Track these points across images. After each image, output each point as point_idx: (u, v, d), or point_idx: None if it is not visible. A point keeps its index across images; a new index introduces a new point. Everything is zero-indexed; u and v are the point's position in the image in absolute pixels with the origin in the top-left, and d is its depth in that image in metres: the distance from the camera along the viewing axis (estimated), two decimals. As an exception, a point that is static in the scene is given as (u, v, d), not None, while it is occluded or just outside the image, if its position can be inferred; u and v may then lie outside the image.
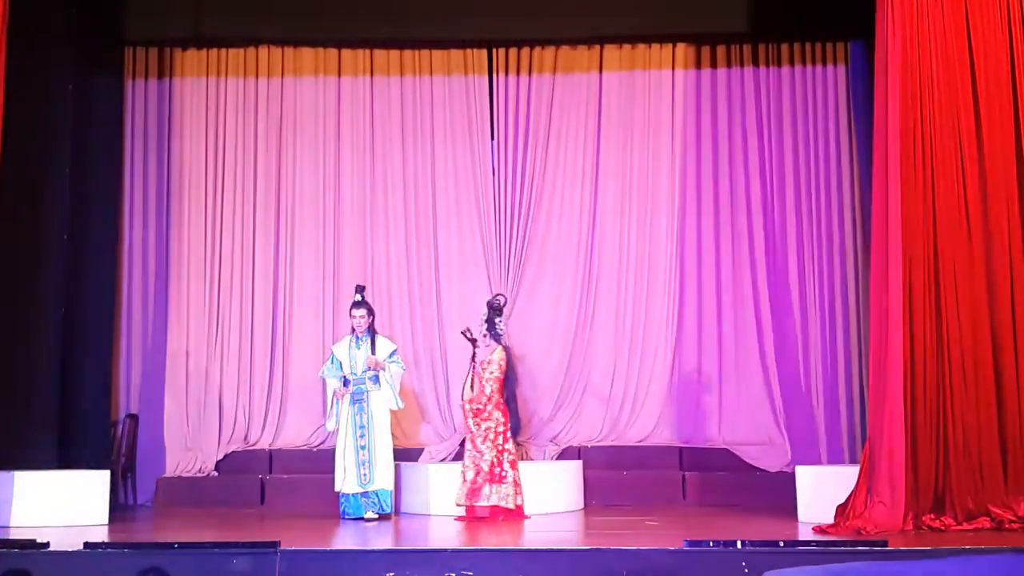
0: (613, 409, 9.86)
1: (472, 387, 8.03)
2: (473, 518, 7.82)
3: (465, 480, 7.89)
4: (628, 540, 6.39)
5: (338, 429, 8.21)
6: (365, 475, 8.06)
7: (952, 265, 6.96)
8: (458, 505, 7.91)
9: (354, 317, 8.34)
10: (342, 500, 8.12)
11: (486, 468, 7.85)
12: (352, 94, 10.30)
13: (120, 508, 8.79)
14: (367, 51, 10.28)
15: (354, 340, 8.30)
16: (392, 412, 8.29)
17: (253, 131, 10.23)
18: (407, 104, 10.26)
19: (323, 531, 7.51)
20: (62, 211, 9.05)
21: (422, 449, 9.65)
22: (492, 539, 7.02)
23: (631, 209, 10.10)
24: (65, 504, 7.77)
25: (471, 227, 10.13)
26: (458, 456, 8.77)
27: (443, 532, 7.44)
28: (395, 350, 8.34)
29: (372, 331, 8.33)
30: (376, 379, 8.21)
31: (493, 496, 7.84)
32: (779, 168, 10.00)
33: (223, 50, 10.20)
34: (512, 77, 10.23)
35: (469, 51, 10.21)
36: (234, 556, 5.83)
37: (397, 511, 8.30)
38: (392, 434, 8.29)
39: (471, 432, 8.01)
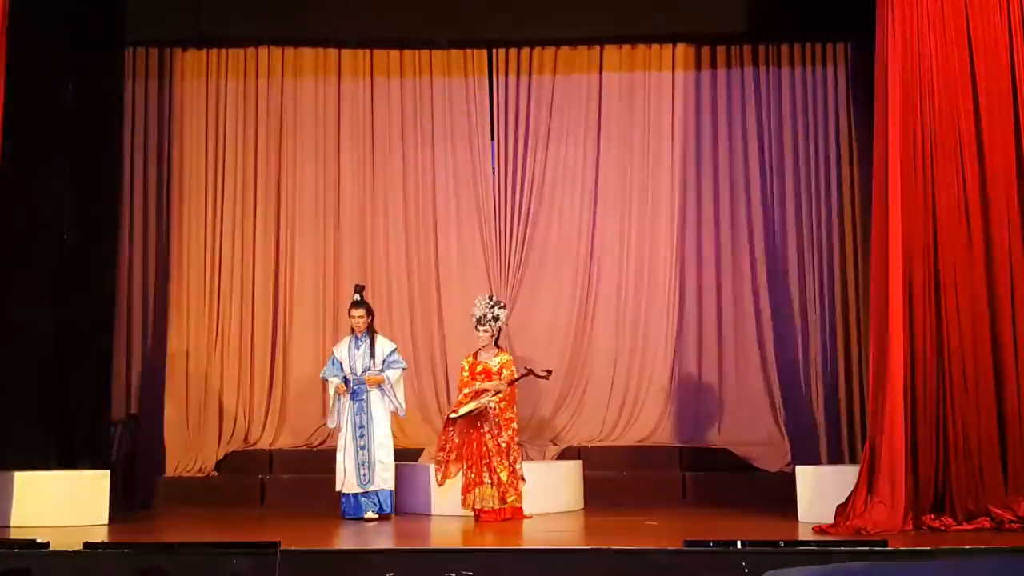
0: (613, 409, 9.86)
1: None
2: (495, 520, 7.78)
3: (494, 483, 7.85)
4: (628, 540, 6.39)
5: (339, 429, 8.21)
6: (365, 475, 8.06)
7: (952, 265, 6.96)
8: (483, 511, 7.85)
9: (353, 317, 8.35)
10: (343, 500, 8.12)
11: (506, 479, 7.84)
12: (352, 94, 10.30)
13: (120, 508, 8.78)
14: (367, 51, 10.28)
15: (354, 340, 8.31)
16: (392, 412, 8.29)
17: (253, 131, 10.23)
18: (407, 105, 10.27)
19: (323, 531, 7.51)
20: (62, 211, 9.05)
21: (422, 449, 9.65)
22: (492, 539, 7.02)
23: (631, 209, 10.10)
24: (65, 504, 7.77)
25: (471, 228, 10.13)
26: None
27: (443, 532, 7.44)
28: (394, 349, 8.34)
29: (372, 331, 8.33)
30: (376, 379, 8.22)
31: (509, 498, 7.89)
32: (779, 168, 10.00)
33: (223, 50, 10.20)
34: (512, 78, 10.23)
35: (469, 52, 10.21)
36: (234, 556, 5.83)
37: (397, 511, 8.30)
38: (392, 434, 8.30)
39: (494, 428, 7.89)
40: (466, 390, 8.03)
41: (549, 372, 8.24)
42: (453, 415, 8.02)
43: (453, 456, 7.96)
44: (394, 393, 8.18)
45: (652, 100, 10.18)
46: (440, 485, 8.00)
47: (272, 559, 5.76)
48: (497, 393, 7.91)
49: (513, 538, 7.09)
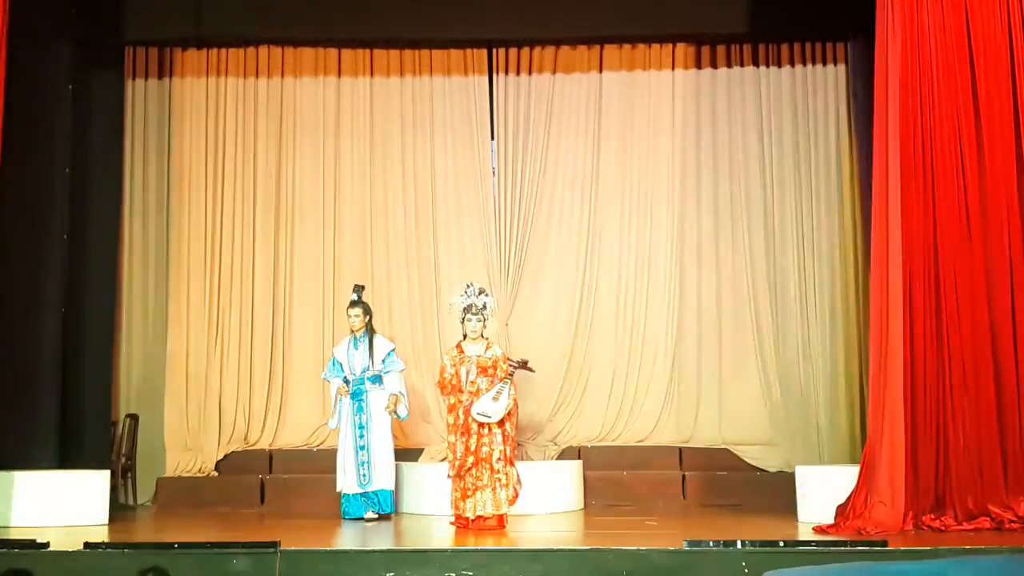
0: (613, 409, 9.85)
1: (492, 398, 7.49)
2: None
3: (508, 486, 7.45)
4: (628, 540, 6.39)
5: (340, 429, 8.22)
6: (364, 475, 8.07)
7: (952, 265, 6.97)
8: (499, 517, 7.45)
9: (349, 316, 8.37)
10: (343, 500, 8.14)
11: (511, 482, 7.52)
12: (352, 94, 10.29)
13: (120, 508, 8.79)
14: (367, 51, 10.28)
15: (353, 341, 8.32)
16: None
17: (253, 131, 10.22)
18: (407, 104, 10.26)
19: (323, 531, 7.52)
20: (62, 211, 9.05)
21: (422, 449, 9.66)
22: (492, 539, 7.02)
23: (631, 209, 10.09)
24: (65, 504, 7.78)
25: (471, 227, 10.13)
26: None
27: (443, 532, 7.43)
28: (393, 349, 8.35)
29: (370, 331, 8.34)
30: (375, 379, 8.22)
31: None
32: (779, 168, 10.00)
33: (223, 50, 10.20)
34: (512, 77, 10.22)
35: (469, 51, 10.21)
36: (234, 556, 5.84)
37: (397, 511, 8.31)
38: (392, 434, 8.31)
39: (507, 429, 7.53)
40: (454, 392, 7.60)
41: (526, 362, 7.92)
42: (486, 418, 7.41)
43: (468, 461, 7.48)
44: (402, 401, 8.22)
45: (652, 100, 10.18)
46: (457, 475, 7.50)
47: (272, 559, 5.77)
48: (511, 389, 7.49)
49: (513, 538, 7.08)
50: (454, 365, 7.64)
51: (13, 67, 7.53)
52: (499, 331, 9.62)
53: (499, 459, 7.44)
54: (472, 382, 7.56)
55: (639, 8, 9.59)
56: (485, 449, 7.45)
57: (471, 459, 7.46)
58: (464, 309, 7.69)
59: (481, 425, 7.45)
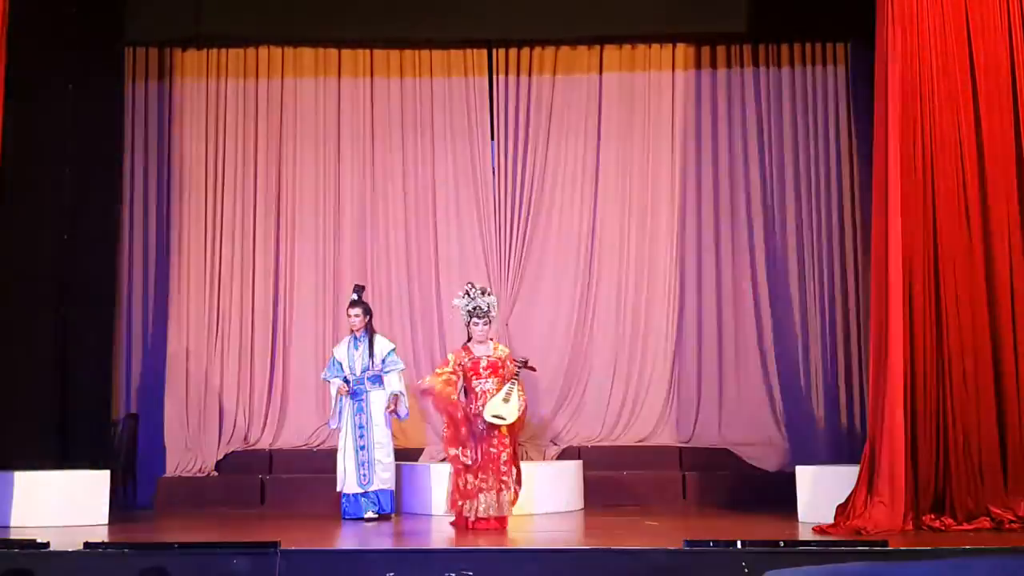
0: (613, 409, 9.86)
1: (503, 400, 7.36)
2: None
3: (511, 488, 7.35)
4: (628, 540, 6.39)
5: (340, 429, 8.22)
6: (364, 475, 8.07)
7: (952, 265, 6.96)
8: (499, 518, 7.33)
9: (349, 316, 8.37)
10: (343, 500, 8.13)
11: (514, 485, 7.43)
12: (352, 94, 10.30)
13: (120, 508, 8.78)
14: (367, 51, 10.28)
15: (353, 341, 8.32)
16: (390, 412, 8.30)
17: (253, 131, 10.23)
18: (407, 104, 10.26)
19: (323, 531, 7.52)
20: (62, 211, 9.06)
21: (422, 449, 9.66)
22: (492, 539, 7.00)
23: (631, 209, 10.10)
24: (65, 504, 7.77)
25: (471, 227, 10.13)
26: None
27: (443, 532, 7.42)
28: (393, 349, 8.34)
29: (370, 330, 8.33)
30: (375, 379, 8.22)
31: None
32: (779, 168, 10.00)
33: (223, 50, 10.21)
34: (512, 77, 10.23)
35: (469, 51, 10.21)
36: (234, 556, 5.83)
37: (397, 511, 8.31)
38: (392, 434, 8.30)
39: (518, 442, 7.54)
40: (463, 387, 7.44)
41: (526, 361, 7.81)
42: (501, 420, 7.27)
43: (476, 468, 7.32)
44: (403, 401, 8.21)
45: (652, 100, 10.18)
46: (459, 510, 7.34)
47: (272, 559, 5.76)
48: (519, 389, 7.39)
49: (513, 538, 7.08)
50: (460, 364, 7.48)
51: (13, 67, 7.52)
52: (499, 331, 9.62)
53: (507, 460, 7.34)
54: (483, 391, 7.43)
55: (639, 8, 9.60)
56: (493, 450, 7.33)
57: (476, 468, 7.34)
58: (469, 312, 7.55)
59: (491, 427, 7.34)
